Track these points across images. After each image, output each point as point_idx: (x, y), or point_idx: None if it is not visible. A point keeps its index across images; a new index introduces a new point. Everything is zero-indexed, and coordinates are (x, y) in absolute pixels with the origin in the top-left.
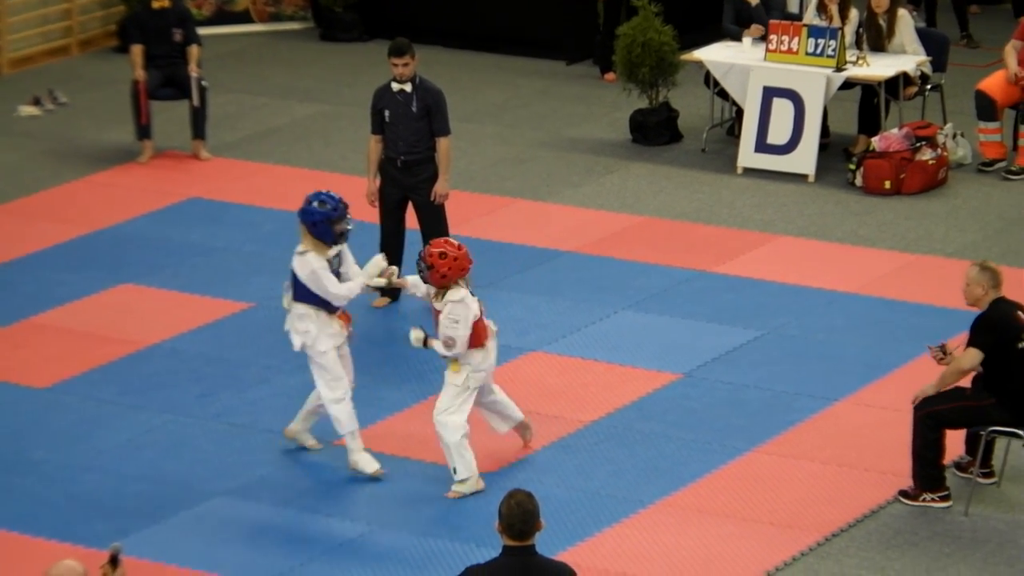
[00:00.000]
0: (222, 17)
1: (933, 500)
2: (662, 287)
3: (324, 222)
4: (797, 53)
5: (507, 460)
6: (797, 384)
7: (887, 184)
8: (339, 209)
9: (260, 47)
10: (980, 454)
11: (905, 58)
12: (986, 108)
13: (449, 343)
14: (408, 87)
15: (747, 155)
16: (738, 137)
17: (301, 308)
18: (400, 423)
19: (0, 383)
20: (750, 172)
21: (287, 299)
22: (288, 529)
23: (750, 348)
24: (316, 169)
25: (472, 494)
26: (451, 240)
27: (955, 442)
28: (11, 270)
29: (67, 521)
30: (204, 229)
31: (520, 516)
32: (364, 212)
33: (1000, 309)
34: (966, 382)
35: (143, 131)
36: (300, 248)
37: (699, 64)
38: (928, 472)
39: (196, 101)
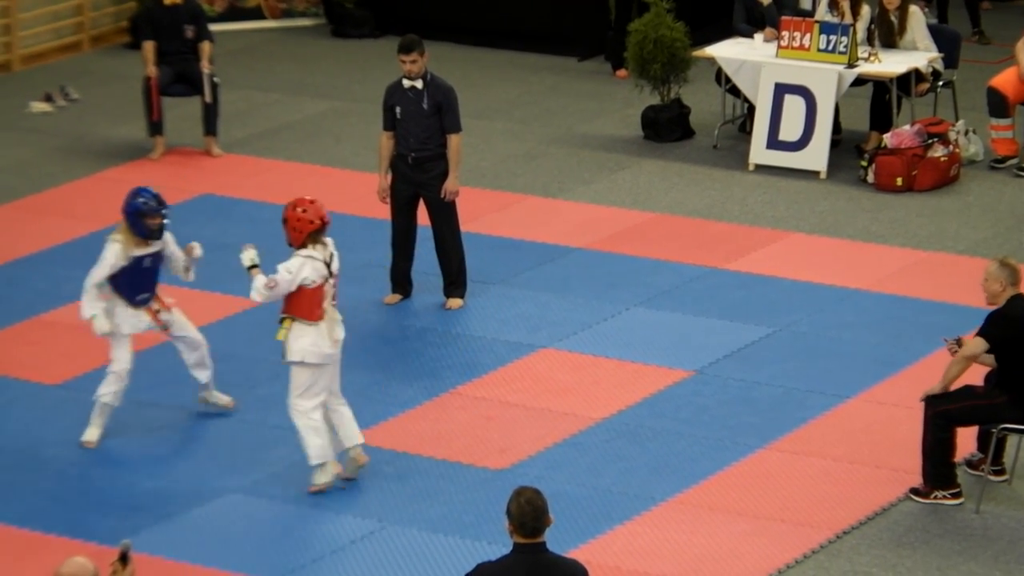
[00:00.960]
0: (234, 13)
1: (944, 498)
2: (673, 284)
3: (134, 213)
4: (809, 50)
5: (517, 457)
6: (809, 381)
7: (899, 181)
8: (149, 204)
9: (271, 43)
10: (991, 452)
11: (917, 54)
12: (998, 105)
13: (270, 284)
14: (419, 84)
15: (759, 152)
16: (749, 134)
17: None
18: (411, 420)
19: (11, 379)
20: (761, 169)
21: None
22: (299, 526)
23: (761, 345)
24: (327, 165)
25: (330, 482)
26: (306, 198)
27: (967, 440)
28: (22, 266)
29: (78, 518)
30: (215, 225)
31: (530, 513)
32: (376, 209)
33: (1017, 306)
34: (977, 380)
35: (155, 127)
36: (113, 236)
37: (711, 60)
38: (939, 470)
39: (208, 97)
